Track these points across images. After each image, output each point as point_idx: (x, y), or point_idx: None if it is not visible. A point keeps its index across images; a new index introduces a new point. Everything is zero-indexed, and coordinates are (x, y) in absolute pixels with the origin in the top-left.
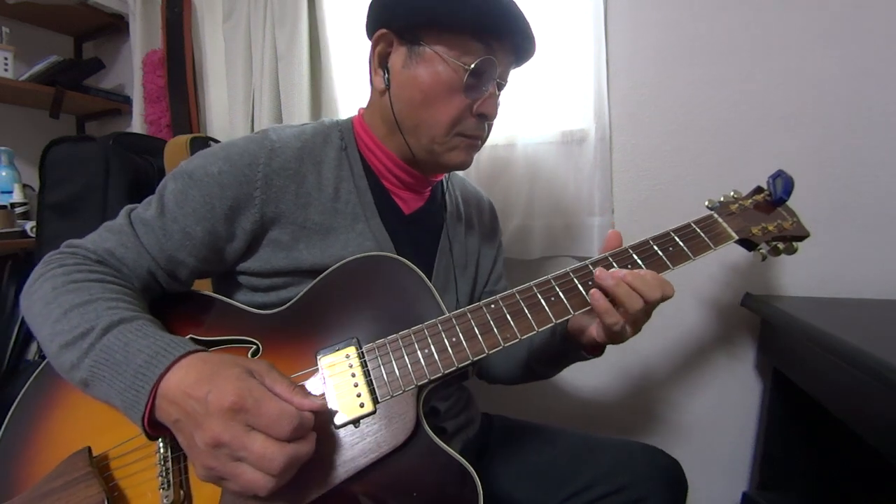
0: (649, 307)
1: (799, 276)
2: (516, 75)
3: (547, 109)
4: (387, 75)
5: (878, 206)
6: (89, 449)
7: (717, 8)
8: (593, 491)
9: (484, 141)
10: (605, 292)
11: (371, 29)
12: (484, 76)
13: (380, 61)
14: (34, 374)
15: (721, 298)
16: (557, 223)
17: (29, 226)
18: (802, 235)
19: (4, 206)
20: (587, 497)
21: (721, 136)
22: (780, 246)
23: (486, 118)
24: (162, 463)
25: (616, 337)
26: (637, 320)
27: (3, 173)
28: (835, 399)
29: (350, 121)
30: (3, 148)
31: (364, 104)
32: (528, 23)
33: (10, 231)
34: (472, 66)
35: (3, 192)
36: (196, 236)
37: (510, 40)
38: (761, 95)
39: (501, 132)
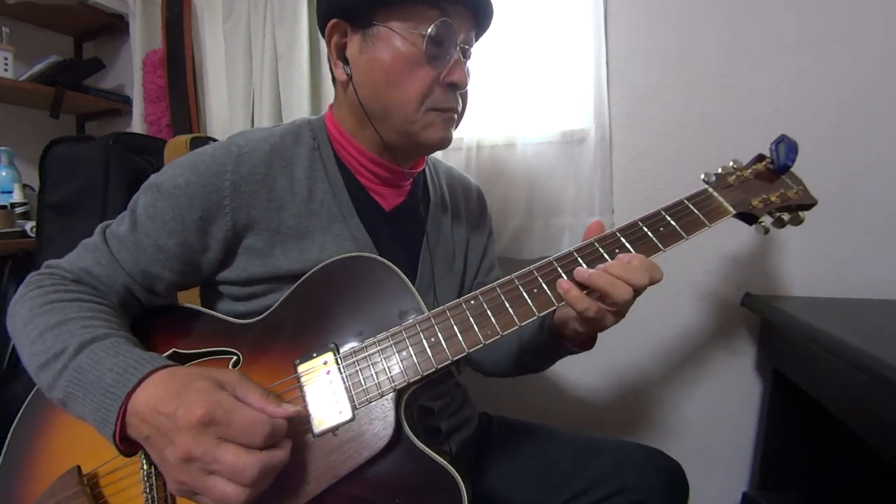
0: (637, 294)
1: (799, 276)
2: (516, 75)
3: (547, 109)
4: (347, 66)
5: (878, 206)
6: (79, 468)
7: (717, 8)
8: (593, 493)
9: (461, 115)
10: (584, 285)
11: (322, 22)
12: (445, 42)
13: (338, 53)
14: (35, 388)
15: (721, 298)
16: (557, 223)
17: (29, 226)
18: (809, 203)
19: (4, 206)
20: (587, 499)
21: (721, 135)
22: (785, 217)
23: (456, 87)
24: (146, 479)
25: (594, 324)
26: (620, 307)
27: (3, 173)
28: (835, 399)
29: (321, 118)
30: (3, 148)
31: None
32: None
33: (10, 231)
34: (429, 31)
35: (3, 192)
36: (169, 250)
37: (464, 3)
38: (761, 95)
39: (501, 132)
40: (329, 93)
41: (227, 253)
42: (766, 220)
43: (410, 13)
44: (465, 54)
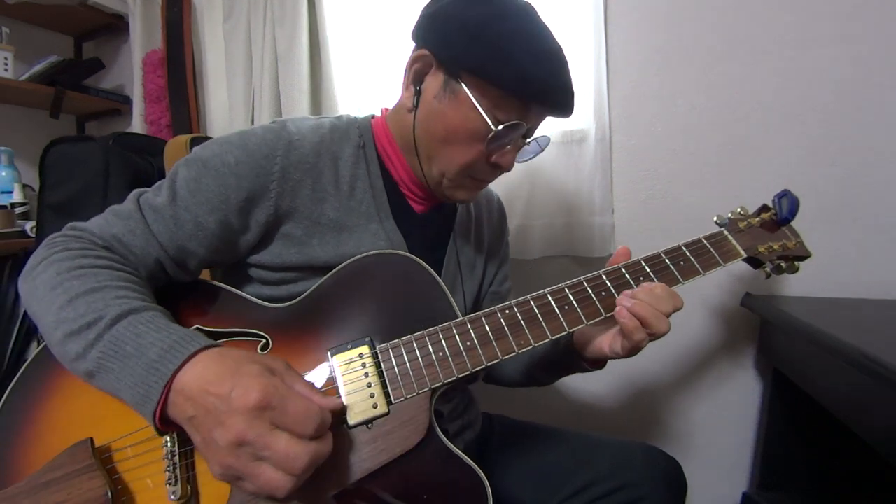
0: None
1: (799, 276)
2: None
3: None
4: (417, 97)
5: (878, 206)
6: (92, 440)
7: (717, 8)
8: (593, 490)
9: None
10: (632, 313)
11: (416, 41)
12: (510, 135)
13: (414, 77)
14: (33, 356)
15: (721, 299)
16: (557, 223)
17: (29, 226)
18: (804, 256)
19: (4, 206)
20: (587, 497)
21: (721, 136)
22: (783, 265)
23: (500, 168)
24: (169, 457)
25: (636, 352)
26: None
27: (3, 173)
28: (835, 399)
29: (368, 121)
30: (3, 148)
31: (377, 104)
32: (571, 94)
33: (10, 231)
34: (501, 126)
35: (3, 192)
36: (209, 227)
37: (549, 107)
38: (761, 95)
39: None
40: (329, 94)
41: (264, 236)
42: (769, 266)
43: (494, 93)
44: (526, 137)
